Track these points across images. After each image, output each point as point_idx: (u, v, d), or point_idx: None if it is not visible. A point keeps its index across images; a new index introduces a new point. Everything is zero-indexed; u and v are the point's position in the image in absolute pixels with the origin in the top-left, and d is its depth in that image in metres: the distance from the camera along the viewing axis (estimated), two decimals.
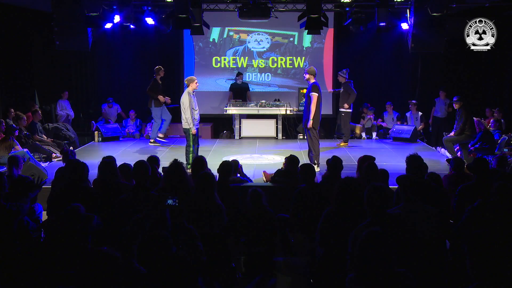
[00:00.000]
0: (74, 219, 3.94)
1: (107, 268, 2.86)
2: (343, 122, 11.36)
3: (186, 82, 8.93)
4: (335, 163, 5.84)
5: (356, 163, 6.44)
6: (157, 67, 11.28)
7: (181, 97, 8.75)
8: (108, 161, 5.55)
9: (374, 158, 5.99)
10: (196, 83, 8.81)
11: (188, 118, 8.57)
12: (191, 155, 8.57)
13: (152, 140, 11.34)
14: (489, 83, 12.44)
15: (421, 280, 3.65)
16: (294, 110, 12.39)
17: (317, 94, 8.59)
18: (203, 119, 10.91)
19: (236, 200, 5.47)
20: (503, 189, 4.34)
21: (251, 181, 7.14)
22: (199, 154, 8.63)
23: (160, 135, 11.28)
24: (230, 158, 6.89)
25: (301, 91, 11.68)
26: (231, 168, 5.96)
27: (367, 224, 3.77)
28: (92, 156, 9.71)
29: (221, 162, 5.90)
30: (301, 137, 12.19)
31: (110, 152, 8.91)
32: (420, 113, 12.62)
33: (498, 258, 2.61)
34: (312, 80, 8.74)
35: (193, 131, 8.64)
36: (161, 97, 11.09)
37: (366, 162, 5.64)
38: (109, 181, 5.33)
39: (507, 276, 2.58)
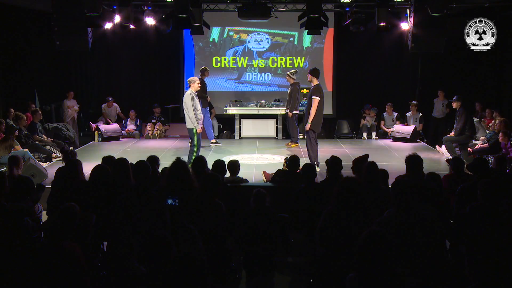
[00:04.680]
0: (71, 217, 3.94)
1: (64, 262, 2.86)
2: (291, 124, 11.30)
3: (188, 82, 9.02)
4: (334, 163, 5.83)
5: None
6: (203, 67, 11.38)
7: (184, 97, 8.84)
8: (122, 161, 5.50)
9: (367, 156, 6.00)
10: (198, 83, 8.93)
11: (192, 117, 8.66)
12: (194, 154, 8.61)
13: (213, 141, 11.49)
14: (489, 83, 12.43)
15: (421, 280, 3.65)
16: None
17: (318, 98, 8.55)
18: None
19: (233, 200, 5.45)
20: (487, 187, 4.36)
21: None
22: (200, 153, 8.66)
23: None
24: (230, 158, 6.89)
25: (301, 91, 11.68)
26: (224, 167, 5.94)
27: (389, 213, 3.88)
28: (92, 156, 9.71)
29: (213, 162, 5.88)
30: (301, 137, 12.19)
31: (110, 152, 8.91)
32: (420, 114, 12.62)
33: (495, 259, 2.61)
34: (315, 82, 8.71)
35: (199, 129, 8.71)
36: (208, 97, 11.31)
37: (366, 162, 5.64)
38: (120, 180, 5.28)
39: (505, 276, 2.58)
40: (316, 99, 8.52)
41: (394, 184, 4.06)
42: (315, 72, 8.81)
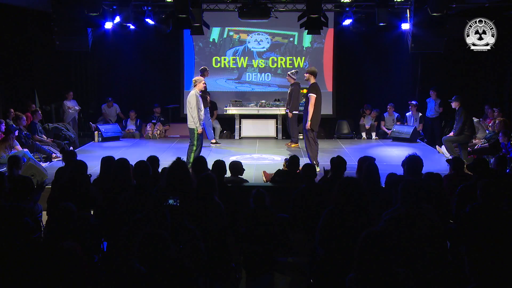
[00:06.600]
0: (67, 217, 3.95)
1: (65, 262, 2.86)
2: (292, 124, 11.30)
3: (193, 82, 9.03)
4: (339, 163, 5.83)
5: (356, 163, 6.42)
6: (203, 67, 11.39)
7: (188, 97, 8.85)
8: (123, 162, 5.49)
9: (374, 159, 5.99)
10: (203, 83, 8.97)
11: (195, 117, 8.67)
12: (193, 154, 8.62)
13: (213, 141, 11.51)
14: (489, 83, 12.43)
15: (421, 280, 3.65)
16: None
17: (315, 96, 8.56)
18: None
19: (233, 200, 5.45)
20: (487, 187, 4.36)
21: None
22: (200, 154, 8.66)
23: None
24: (230, 158, 6.88)
25: (301, 91, 11.68)
26: (224, 167, 5.94)
27: (396, 209, 3.97)
28: (92, 156, 9.71)
29: (213, 162, 5.88)
30: (301, 137, 12.18)
31: (110, 152, 8.90)
32: (420, 114, 12.63)
33: (495, 259, 2.61)
34: (312, 80, 8.73)
35: (200, 130, 8.71)
36: (208, 98, 11.38)
37: (366, 162, 5.64)
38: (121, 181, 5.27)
39: (505, 276, 2.58)
40: (312, 96, 8.54)
41: (403, 183, 4.06)
42: (312, 71, 8.83)
